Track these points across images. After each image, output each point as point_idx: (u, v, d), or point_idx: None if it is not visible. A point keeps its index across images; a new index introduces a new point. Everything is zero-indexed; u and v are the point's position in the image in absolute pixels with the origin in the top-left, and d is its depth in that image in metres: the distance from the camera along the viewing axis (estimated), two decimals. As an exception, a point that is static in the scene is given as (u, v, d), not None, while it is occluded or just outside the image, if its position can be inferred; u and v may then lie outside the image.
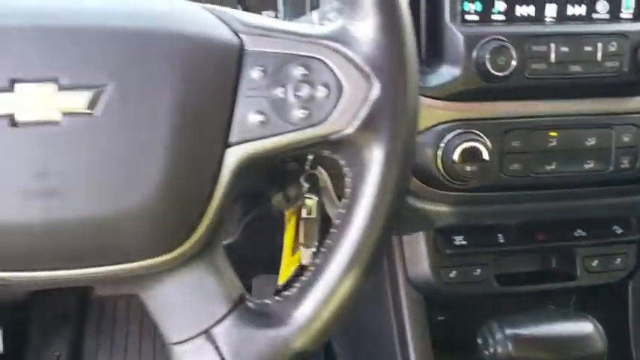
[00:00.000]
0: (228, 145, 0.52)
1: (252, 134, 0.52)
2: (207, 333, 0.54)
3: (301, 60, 0.52)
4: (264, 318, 0.55)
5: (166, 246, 0.52)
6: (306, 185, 0.73)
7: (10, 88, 0.48)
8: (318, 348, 0.55)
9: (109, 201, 0.49)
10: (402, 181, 0.54)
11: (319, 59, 0.53)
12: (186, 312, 0.55)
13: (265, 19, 0.55)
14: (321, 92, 0.52)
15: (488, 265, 1.01)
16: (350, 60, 0.52)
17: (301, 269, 0.83)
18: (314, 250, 0.76)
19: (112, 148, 0.49)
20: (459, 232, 0.99)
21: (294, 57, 0.52)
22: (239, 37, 0.53)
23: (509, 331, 0.83)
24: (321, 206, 0.78)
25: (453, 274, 1.00)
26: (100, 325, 1.70)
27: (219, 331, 0.54)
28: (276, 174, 0.80)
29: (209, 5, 0.56)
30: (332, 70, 0.52)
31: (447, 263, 1.00)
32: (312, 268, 0.56)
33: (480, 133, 0.85)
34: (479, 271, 1.01)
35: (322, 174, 0.73)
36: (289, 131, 0.52)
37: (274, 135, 0.52)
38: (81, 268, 0.52)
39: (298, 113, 0.52)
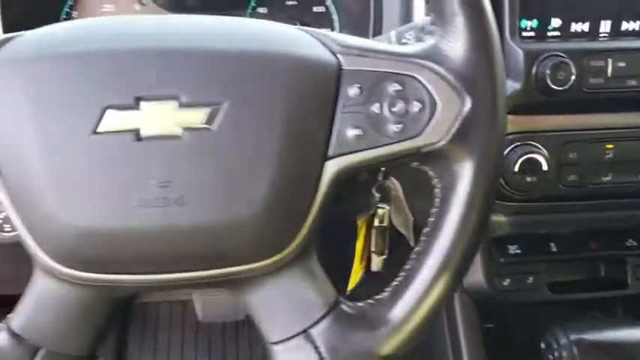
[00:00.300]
0: (327, 158, 0.56)
1: (349, 147, 0.56)
2: (305, 333, 0.58)
3: (396, 77, 0.56)
4: (358, 320, 0.58)
5: (269, 252, 0.56)
6: (377, 195, 0.77)
7: (135, 106, 0.52)
8: (409, 349, 0.59)
9: (223, 209, 0.53)
10: (491, 192, 0.57)
11: (413, 77, 0.56)
12: (285, 313, 0.58)
13: (359, 40, 0.59)
14: (415, 107, 0.56)
15: (540, 273, 1.03)
16: (442, 77, 0.56)
17: (366, 276, 0.86)
18: (385, 257, 0.80)
19: (226, 160, 0.53)
20: (513, 241, 1.02)
21: (389, 75, 0.56)
22: (336, 57, 0.56)
23: (573, 337, 0.86)
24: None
25: (506, 282, 1.03)
26: (144, 331, 1.73)
27: (317, 332, 0.58)
28: (348, 184, 0.83)
29: (305, 27, 0.60)
30: (425, 87, 0.56)
31: (501, 271, 1.03)
32: (404, 274, 0.59)
33: (539, 145, 0.88)
34: (531, 279, 1.04)
35: (394, 184, 0.76)
36: (385, 144, 0.56)
37: (370, 148, 0.56)
38: (192, 271, 0.56)
39: (393, 127, 0.56)
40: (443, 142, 0.56)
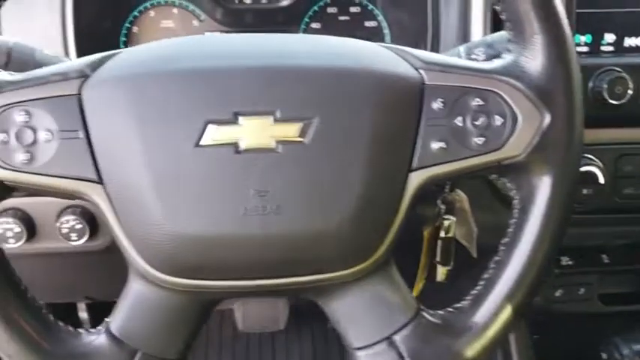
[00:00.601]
0: (411, 170, 0.58)
1: (433, 159, 0.58)
2: (389, 339, 0.60)
3: (478, 92, 0.58)
4: (440, 327, 0.60)
5: (354, 260, 0.58)
6: (442, 207, 0.79)
7: (234, 121, 0.54)
8: (487, 356, 0.60)
9: (314, 218, 0.55)
10: (570, 203, 0.59)
11: (495, 92, 0.58)
12: (368, 320, 0.60)
13: (439, 56, 0.61)
14: (497, 121, 0.58)
15: (592, 285, 1.05)
16: (523, 92, 0.58)
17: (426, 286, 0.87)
18: (449, 268, 0.81)
19: (317, 171, 0.55)
20: (565, 252, 1.03)
21: (471, 90, 0.58)
22: (419, 73, 0.59)
23: (637, 347, 0.87)
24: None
25: (558, 292, 1.05)
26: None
27: (400, 338, 0.60)
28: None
29: (387, 44, 0.63)
30: (507, 102, 0.58)
31: (553, 282, 1.04)
32: (483, 282, 0.61)
33: (595, 158, 0.90)
34: (583, 290, 1.05)
35: (460, 196, 0.78)
36: (468, 157, 0.58)
37: (454, 160, 0.58)
38: (282, 278, 0.58)
39: (476, 140, 0.58)
40: (523, 155, 0.58)
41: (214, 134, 0.54)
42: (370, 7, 1.13)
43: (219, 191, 0.54)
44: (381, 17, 1.13)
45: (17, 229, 0.87)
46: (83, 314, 1.41)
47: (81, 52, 0.94)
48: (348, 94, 0.56)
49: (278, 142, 0.55)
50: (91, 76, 0.57)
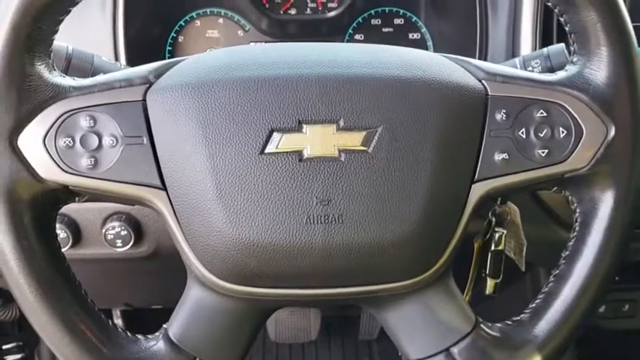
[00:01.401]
0: (474, 181, 0.57)
1: (496, 171, 0.58)
2: (447, 351, 0.59)
3: (541, 104, 0.58)
4: (499, 339, 0.60)
5: (415, 271, 0.58)
6: (493, 219, 0.78)
7: (298, 129, 0.54)
8: None
9: (376, 228, 0.55)
10: (633, 217, 0.59)
11: (559, 104, 0.58)
12: (426, 331, 0.60)
13: (501, 67, 0.61)
14: (560, 133, 0.57)
15: (637, 301, 1.03)
16: (587, 104, 0.57)
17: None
18: (498, 281, 0.81)
19: (381, 181, 0.55)
20: None
21: (535, 101, 0.58)
22: (482, 84, 0.59)
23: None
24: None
25: (602, 308, 1.03)
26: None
27: (458, 351, 0.59)
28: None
29: (449, 55, 0.62)
30: (571, 114, 0.58)
31: (597, 298, 1.02)
32: (542, 296, 0.60)
33: None
34: (627, 306, 1.04)
35: (511, 209, 0.78)
36: (531, 169, 0.58)
37: (517, 172, 0.58)
38: (341, 287, 0.58)
39: (539, 152, 0.57)
40: (587, 168, 0.58)
41: (279, 142, 0.54)
42: (414, 19, 1.13)
43: (282, 199, 0.54)
44: (424, 29, 1.13)
45: (63, 235, 0.88)
46: (118, 321, 1.42)
47: (130, 59, 0.95)
48: (412, 103, 0.56)
49: (341, 150, 0.55)
50: (155, 83, 0.57)
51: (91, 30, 0.94)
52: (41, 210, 0.55)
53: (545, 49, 0.75)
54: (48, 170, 0.55)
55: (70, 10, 0.56)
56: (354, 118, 0.55)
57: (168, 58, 1.09)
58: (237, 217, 0.54)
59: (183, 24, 1.11)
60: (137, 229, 0.88)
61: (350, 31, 1.13)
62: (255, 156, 0.54)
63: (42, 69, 0.55)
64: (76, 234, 0.90)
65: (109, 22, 0.94)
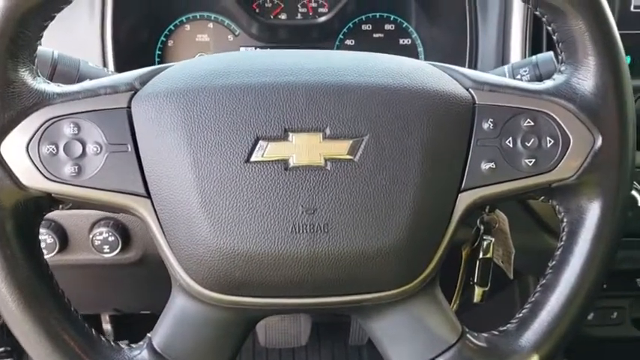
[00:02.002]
0: (461, 190, 0.57)
1: (483, 180, 0.57)
2: None
3: (529, 113, 0.58)
4: (485, 350, 0.59)
5: (401, 280, 0.57)
6: (481, 227, 0.78)
7: (284, 137, 0.54)
8: None
9: (364, 238, 0.55)
10: (620, 227, 0.58)
11: (546, 113, 0.58)
12: (412, 341, 0.59)
13: (489, 76, 0.61)
14: (547, 143, 0.57)
15: (625, 309, 1.03)
16: (575, 114, 0.57)
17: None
18: (486, 289, 0.80)
19: (367, 190, 0.55)
20: None
21: (522, 111, 0.58)
22: (470, 93, 0.58)
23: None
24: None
25: (590, 316, 1.03)
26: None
27: None
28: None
29: (436, 63, 0.62)
30: (558, 123, 0.57)
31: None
32: (529, 306, 0.60)
33: (635, 182, 0.89)
34: (615, 314, 1.04)
35: (499, 217, 0.77)
36: (517, 178, 0.57)
37: (504, 181, 0.57)
38: (326, 296, 0.57)
39: (526, 161, 0.57)
40: (574, 178, 0.57)
41: (264, 150, 0.54)
42: (405, 24, 1.13)
43: (268, 208, 0.54)
44: (415, 35, 1.13)
45: (50, 240, 0.87)
46: (107, 326, 1.41)
47: (118, 64, 0.94)
48: (398, 112, 0.56)
49: (327, 159, 0.54)
50: (140, 90, 0.57)
51: (79, 34, 0.93)
52: (24, 218, 0.55)
53: (533, 57, 0.75)
54: (31, 178, 0.54)
55: (54, 16, 0.56)
56: (340, 127, 0.55)
57: (158, 62, 1.09)
58: (221, 226, 0.54)
59: (172, 28, 1.11)
60: (124, 234, 0.87)
61: (340, 36, 1.13)
62: (241, 164, 0.54)
63: (26, 75, 0.54)
64: (63, 240, 0.89)
65: (97, 26, 0.94)
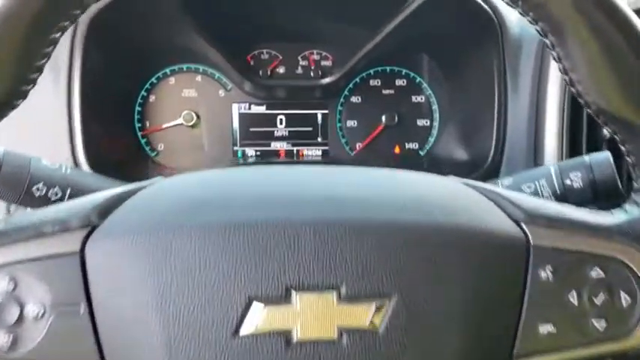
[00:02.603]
0: (512, 357, 0.44)
1: (539, 346, 0.44)
2: None
3: (597, 260, 0.45)
4: None
5: None
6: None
7: (285, 298, 0.41)
8: None
9: None
10: None
11: (619, 260, 0.45)
12: None
13: (546, 204, 0.48)
14: (622, 300, 0.45)
15: None
16: None
17: None
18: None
19: None
20: None
21: (589, 256, 0.45)
22: (522, 229, 0.45)
23: None
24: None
25: None
26: None
27: None
28: None
29: (474, 183, 0.49)
30: (636, 275, 0.45)
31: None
32: None
33: None
34: None
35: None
36: (583, 345, 0.45)
37: (564, 349, 0.45)
38: None
39: (595, 323, 0.44)
40: None
41: (260, 318, 0.41)
42: (418, 79, 1.00)
43: None
44: (429, 92, 1.00)
45: None
46: None
47: (87, 134, 0.81)
48: (434, 260, 0.43)
49: (343, 330, 0.41)
50: (98, 227, 0.43)
51: (42, 102, 0.80)
52: None
53: (586, 158, 0.62)
54: None
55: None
56: (359, 284, 0.42)
57: (138, 120, 0.96)
58: None
59: (155, 81, 0.98)
60: None
61: (346, 92, 1.00)
62: (227, 339, 0.40)
63: None
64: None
65: (63, 86, 0.81)
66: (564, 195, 0.61)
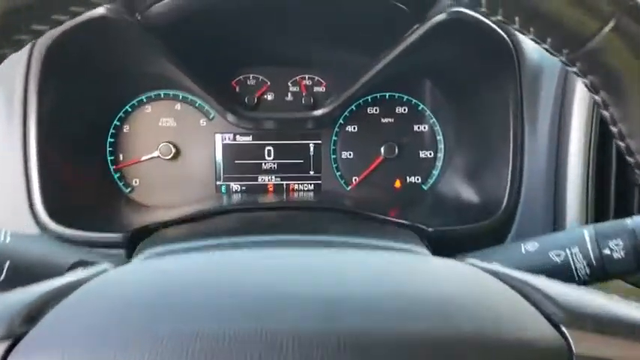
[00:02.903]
0: None
1: None
2: None
3: None
4: None
5: None
6: None
7: None
8: None
9: None
10: None
11: None
12: None
13: (590, 296, 0.38)
14: None
15: None
16: None
17: None
18: None
19: None
20: None
21: None
22: (562, 334, 0.36)
23: None
24: None
25: None
26: None
27: None
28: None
29: (500, 270, 0.40)
30: None
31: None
32: None
33: None
34: None
35: None
36: None
37: None
38: None
39: None
40: None
41: None
42: (420, 107, 0.90)
43: None
44: (433, 120, 0.90)
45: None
46: None
47: (44, 177, 0.71)
48: None
49: None
50: (24, 337, 0.34)
51: None
52: None
53: (628, 222, 0.52)
54: None
55: None
56: None
57: (110, 153, 0.85)
58: None
59: (129, 109, 0.88)
60: None
61: (341, 121, 0.90)
62: None
63: None
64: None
65: (17, 125, 0.71)
66: (602, 266, 0.51)
